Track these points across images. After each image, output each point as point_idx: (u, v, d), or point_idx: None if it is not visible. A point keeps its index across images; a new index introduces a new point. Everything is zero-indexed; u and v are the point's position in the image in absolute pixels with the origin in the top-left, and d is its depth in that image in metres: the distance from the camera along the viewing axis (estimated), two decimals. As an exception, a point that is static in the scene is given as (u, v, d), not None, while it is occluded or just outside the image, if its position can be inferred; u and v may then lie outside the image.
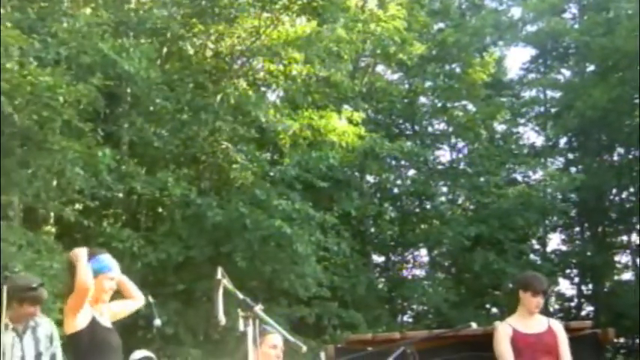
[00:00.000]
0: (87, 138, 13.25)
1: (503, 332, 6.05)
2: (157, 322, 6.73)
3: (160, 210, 16.80)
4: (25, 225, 13.05)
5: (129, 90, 15.77)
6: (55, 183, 13.21)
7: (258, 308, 4.30)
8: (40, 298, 5.64)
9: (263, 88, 19.11)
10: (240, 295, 4.31)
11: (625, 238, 24.95)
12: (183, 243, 15.65)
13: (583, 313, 24.59)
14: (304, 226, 16.27)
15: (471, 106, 24.32)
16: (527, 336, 6.01)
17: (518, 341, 5.98)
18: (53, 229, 14.13)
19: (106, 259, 4.95)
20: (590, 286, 25.22)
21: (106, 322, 5.03)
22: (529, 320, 6.10)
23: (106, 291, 4.92)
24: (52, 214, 14.06)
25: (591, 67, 25.32)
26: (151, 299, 6.28)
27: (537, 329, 6.07)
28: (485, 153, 23.41)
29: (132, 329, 11.25)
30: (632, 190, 23.65)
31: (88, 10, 14.60)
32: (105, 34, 13.99)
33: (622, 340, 22.52)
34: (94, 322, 4.88)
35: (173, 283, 15.58)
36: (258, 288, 15.94)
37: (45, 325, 5.76)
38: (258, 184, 16.37)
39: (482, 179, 22.56)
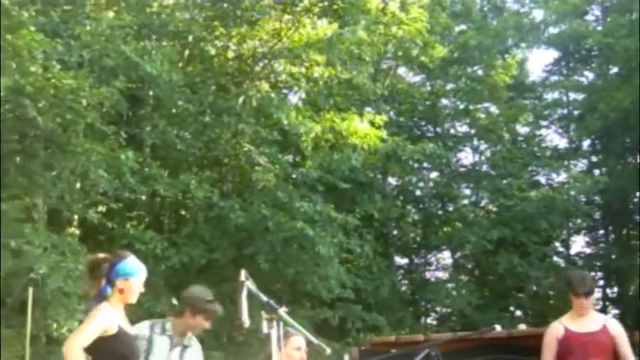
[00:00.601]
0: (110, 140, 13.34)
1: (552, 331, 6.00)
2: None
3: (183, 212, 16.86)
4: (50, 227, 13.10)
5: (151, 92, 15.87)
6: (78, 185, 13.31)
7: (282, 310, 4.30)
8: (216, 312, 5.54)
9: (285, 91, 19.17)
10: (264, 298, 4.30)
11: (650, 240, 24.72)
12: (206, 245, 15.68)
13: (608, 316, 24.36)
14: (326, 227, 16.26)
15: (493, 109, 24.27)
16: (580, 335, 5.91)
17: (570, 340, 5.89)
18: (77, 231, 14.16)
19: (134, 261, 4.92)
20: (616, 289, 25.00)
21: (129, 327, 4.90)
22: (582, 319, 5.97)
23: (135, 294, 4.86)
24: (75, 216, 14.14)
25: (614, 69, 25.08)
26: (174, 302, 6.25)
27: (591, 328, 5.95)
28: (508, 155, 23.31)
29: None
30: (656, 192, 23.41)
31: (111, 13, 14.67)
32: (127, 36, 14.07)
33: (648, 343, 22.28)
34: (121, 331, 4.75)
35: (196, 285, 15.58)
36: (282, 290, 15.95)
37: (195, 348, 5.56)
38: (280, 186, 16.38)
39: (505, 182, 22.50)
